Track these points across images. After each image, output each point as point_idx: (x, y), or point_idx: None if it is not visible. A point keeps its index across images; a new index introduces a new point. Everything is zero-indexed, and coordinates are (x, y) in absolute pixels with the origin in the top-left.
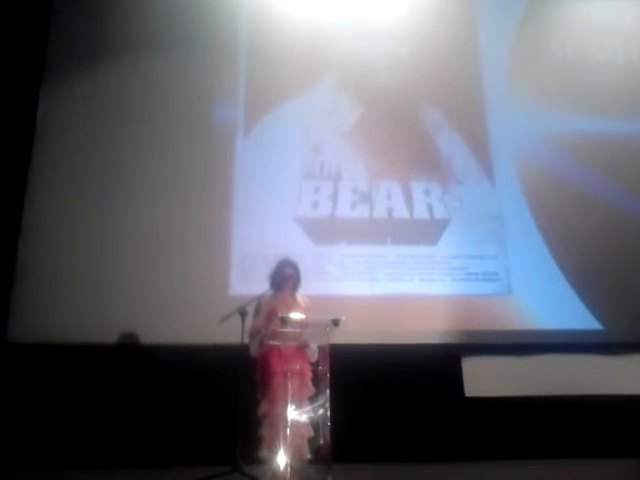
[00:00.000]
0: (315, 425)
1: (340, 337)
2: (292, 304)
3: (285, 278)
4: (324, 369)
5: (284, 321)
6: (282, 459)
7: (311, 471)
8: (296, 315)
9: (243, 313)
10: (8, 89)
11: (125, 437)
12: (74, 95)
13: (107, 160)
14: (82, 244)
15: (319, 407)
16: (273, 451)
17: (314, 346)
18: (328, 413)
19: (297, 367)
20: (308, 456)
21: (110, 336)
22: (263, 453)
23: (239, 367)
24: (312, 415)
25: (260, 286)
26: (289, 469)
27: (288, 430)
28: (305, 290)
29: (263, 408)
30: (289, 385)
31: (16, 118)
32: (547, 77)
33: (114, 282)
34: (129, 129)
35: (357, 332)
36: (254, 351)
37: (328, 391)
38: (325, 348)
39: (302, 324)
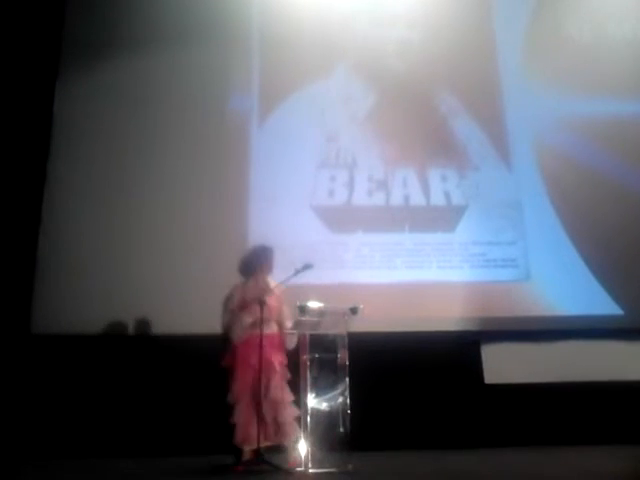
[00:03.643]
0: (335, 413)
1: (358, 325)
2: (265, 290)
3: (259, 264)
4: (343, 357)
5: (302, 310)
6: (303, 447)
7: (331, 459)
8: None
9: (261, 302)
10: (25, 85)
11: (144, 426)
12: (90, 89)
13: (124, 153)
14: (100, 237)
15: (338, 395)
16: (246, 440)
17: (294, 335)
18: (348, 401)
19: (267, 356)
20: (296, 436)
21: (128, 327)
22: (236, 442)
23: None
24: (332, 403)
25: (277, 275)
26: (310, 457)
27: (309, 418)
28: (322, 279)
29: (232, 397)
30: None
31: (34, 113)
32: (564, 59)
33: (132, 274)
34: (144, 122)
35: (375, 320)
36: (237, 338)
37: (347, 379)
38: (343, 336)
39: (319, 312)
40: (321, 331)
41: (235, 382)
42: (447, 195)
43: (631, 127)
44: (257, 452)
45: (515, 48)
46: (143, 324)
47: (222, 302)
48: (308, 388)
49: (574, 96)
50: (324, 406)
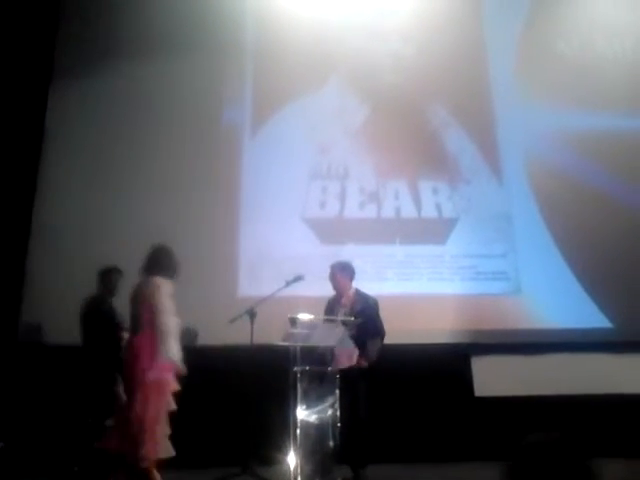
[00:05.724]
0: (324, 426)
1: None
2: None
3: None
4: (333, 370)
5: (293, 322)
6: (292, 460)
7: (321, 472)
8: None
9: (252, 314)
10: (18, 90)
11: None
12: (83, 96)
13: (115, 162)
14: (90, 247)
15: (328, 408)
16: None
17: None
18: (338, 414)
19: (137, 364)
20: (170, 454)
21: None
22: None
23: (248, 368)
24: (322, 416)
25: (268, 287)
26: (299, 470)
27: (298, 431)
28: (313, 290)
29: (141, 407)
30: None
31: (26, 119)
32: (554, 74)
33: (122, 284)
34: (136, 130)
35: None
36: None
37: (338, 392)
38: (334, 349)
39: (310, 324)
40: (312, 343)
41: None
42: (438, 208)
43: (621, 141)
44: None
45: (506, 62)
46: None
47: (161, 290)
48: (298, 401)
49: (565, 110)
50: (314, 419)
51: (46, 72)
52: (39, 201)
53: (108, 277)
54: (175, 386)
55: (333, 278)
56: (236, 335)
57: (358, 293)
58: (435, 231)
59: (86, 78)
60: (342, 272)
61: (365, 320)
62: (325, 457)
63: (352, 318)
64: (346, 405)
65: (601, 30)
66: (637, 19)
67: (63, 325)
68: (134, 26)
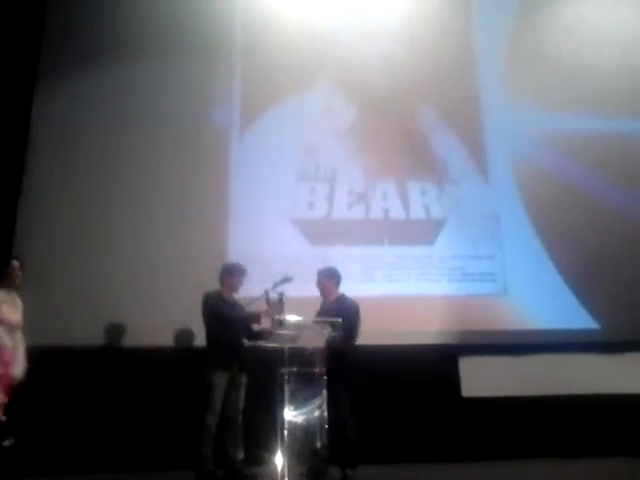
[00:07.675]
0: (312, 427)
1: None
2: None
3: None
4: (320, 371)
5: (280, 323)
6: (279, 460)
7: (309, 472)
8: None
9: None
10: (3, 89)
11: (126, 440)
12: (69, 96)
13: (102, 162)
14: (79, 247)
15: (316, 409)
16: None
17: None
18: (325, 415)
19: None
20: None
21: (107, 340)
22: None
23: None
24: (309, 417)
25: (258, 288)
26: (286, 470)
27: (285, 431)
28: (302, 291)
29: None
30: None
31: (11, 118)
32: (542, 77)
33: (112, 286)
34: (124, 131)
35: None
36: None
37: (325, 392)
38: (322, 350)
39: (297, 326)
40: (300, 344)
41: None
42: (426, 209)
43: (608, 143)
44: None
45: (495, 64)
46: (121, 337)
47: None
48: (286, 401)
49: (552, 112)
50: (301, 420)
51: (31, 72)
52: (24, 201)
53: (228, 274)
54: None
55: (321, 285)
56: None
57: (343, 297)
58: (423, 232)
59: (72, 78)
60: (330, 279)
61: (347, 319)
62: (313, 457)
63: (339, 319)
64: (329, 406)
65: (590, 33)
66: (625, 23)
67: (54, 326)
68: (121, 26)
